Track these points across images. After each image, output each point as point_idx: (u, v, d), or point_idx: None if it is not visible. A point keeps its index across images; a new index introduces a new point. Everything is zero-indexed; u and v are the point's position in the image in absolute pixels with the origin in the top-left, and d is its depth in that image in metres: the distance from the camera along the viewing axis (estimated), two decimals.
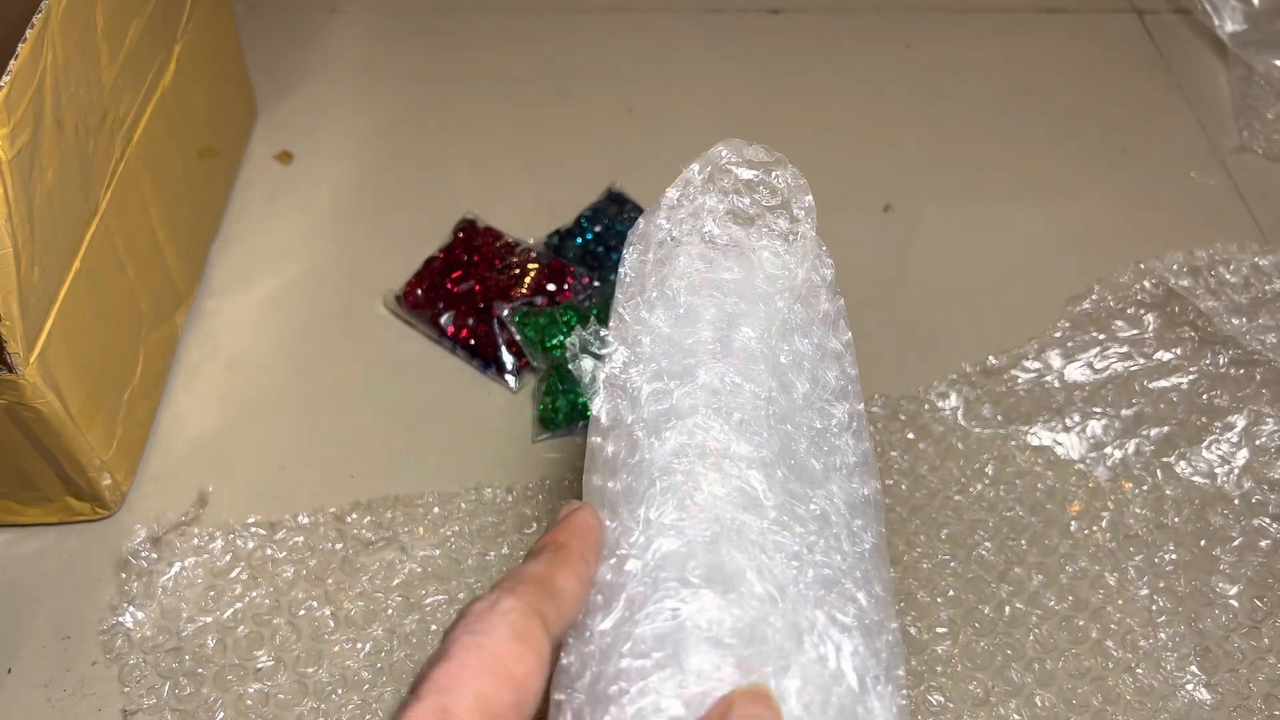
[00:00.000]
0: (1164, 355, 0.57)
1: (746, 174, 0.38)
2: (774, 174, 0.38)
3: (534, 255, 0.60)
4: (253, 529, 0.49)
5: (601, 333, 0.36)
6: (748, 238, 0.38)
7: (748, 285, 0.37)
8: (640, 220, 0.39)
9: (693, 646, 0.28)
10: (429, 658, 0.26)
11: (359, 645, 0.46)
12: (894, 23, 0.80)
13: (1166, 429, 0.54)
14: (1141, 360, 0.57)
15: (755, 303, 0.36)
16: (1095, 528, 0.51)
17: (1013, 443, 0.54)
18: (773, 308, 0.36)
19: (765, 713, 0.27)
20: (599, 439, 0.34)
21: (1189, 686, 0.45)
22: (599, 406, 0.35)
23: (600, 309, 0.57)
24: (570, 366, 0.36)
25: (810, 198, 0.38)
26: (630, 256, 0.38)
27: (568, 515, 0.31)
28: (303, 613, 0.47)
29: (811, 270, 0.38)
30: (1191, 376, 0.56)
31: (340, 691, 0.45)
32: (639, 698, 0.27)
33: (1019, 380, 0.57)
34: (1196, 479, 0.52)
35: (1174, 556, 0.49)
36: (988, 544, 0.50)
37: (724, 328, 0.35)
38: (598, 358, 0.35)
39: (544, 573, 0.28)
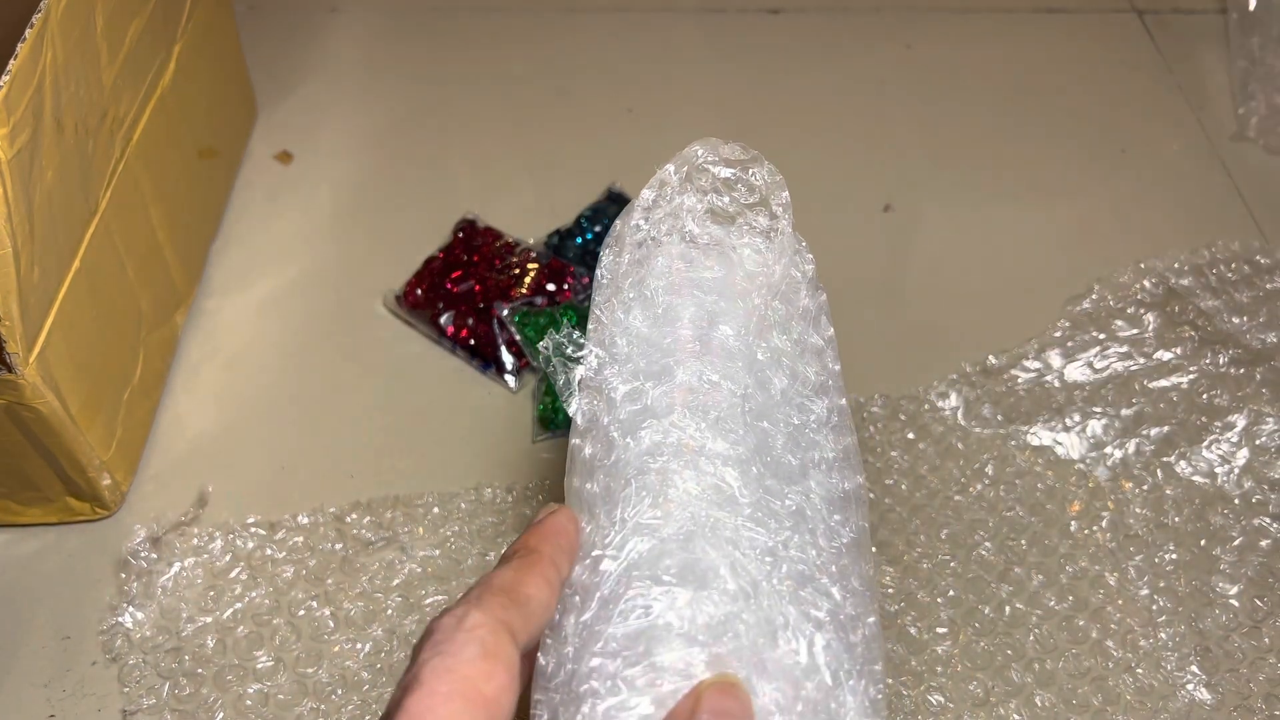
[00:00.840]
0: (1164, 355, 0.57)
1: (724, 172, 0.38)
2: (751, 171, 0.38)
3: (534, 255, 0.60)
4: (252, 529, 0.49)
5: (575, 335, 0.36)
6: (728, 236, 0.38)
7: (728, 283, 0.37)
8: (616, 222, 0.39)
9: (664, 643, 0.28)
10: (400, 681, 0.26)
11: (359, 645, 0.46)
12: (894, 23, 0.80)
13: (1166, 429, 0.54)
14: (1141, 360, 0.57)
15: (734, 300, 0.36)
16: (1095, 528, 0.51)
17: (1013, 443, 0.54)
18: (750, 305, 0.36)
19: (733, 704, 0.27)
20: (577, 441, 0.34)
21: (1189, 686, 0.45)
22: (575, 409, 0.35)
23: None
24: (546, 371, 0.36)
25: (787, 194, 0.38)
26: (606, 259, 0.38)
27: (543, 519, 0.31)
28: (302, 613, 0.47)
29: (790, 266, 0.38)
30: (1191, 376, 0.56)
31: (340, 691, 0.45)
32: (609, 695, 0.27)
33: (1019, 380, 0.57)
34: (1196, 479, 0.52)
35: (1174, 556, 0.49)
36: (988, 544, 0.50)
37: (704, 326, 0.35)
38: (572, 361, 0.35)
39: (512, 580, 0.28)
